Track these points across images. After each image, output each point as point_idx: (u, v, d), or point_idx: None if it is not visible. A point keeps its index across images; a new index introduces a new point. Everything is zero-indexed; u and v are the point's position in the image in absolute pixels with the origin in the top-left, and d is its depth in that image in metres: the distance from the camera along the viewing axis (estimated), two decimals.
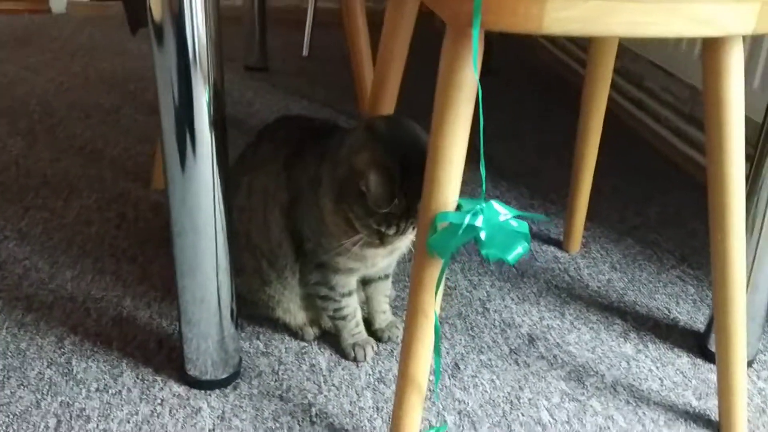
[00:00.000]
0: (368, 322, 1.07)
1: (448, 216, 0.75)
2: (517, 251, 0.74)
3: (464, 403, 0.96)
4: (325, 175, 0.90)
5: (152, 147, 1.61)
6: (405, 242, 0.93)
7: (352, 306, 1.01)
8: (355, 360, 1.02)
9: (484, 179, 0.74)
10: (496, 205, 0.75)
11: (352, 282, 0.99)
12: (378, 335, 1.07)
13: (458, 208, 0.76)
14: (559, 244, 1.33)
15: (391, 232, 0.86)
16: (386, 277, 1.05)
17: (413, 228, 0.87)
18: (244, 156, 1.03)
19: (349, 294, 0.99)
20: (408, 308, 0.80)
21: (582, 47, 2.16)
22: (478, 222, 0.74)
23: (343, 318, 1.01)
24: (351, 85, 1.79)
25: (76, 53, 2.29)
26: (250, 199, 0.99)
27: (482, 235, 0.74)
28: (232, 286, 0.94)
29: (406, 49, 1.05)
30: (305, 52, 2.41)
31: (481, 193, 0.74)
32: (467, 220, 0.74)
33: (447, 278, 1.21)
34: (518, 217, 0.75)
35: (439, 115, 0.72)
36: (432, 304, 0.79)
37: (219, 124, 0.84)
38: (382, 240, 0.87)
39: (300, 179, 0.94)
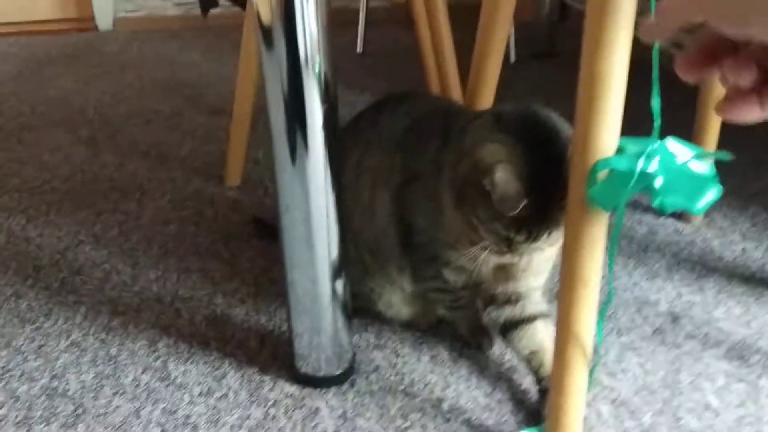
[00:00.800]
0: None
1: (612, 162, 0.64)
2: (707, 198, 0.62)
3: (616, 391, 0.84)
4: (446, 165, 0.78)
5: (221, 146, 1.53)
6: (545, 254, 0.78)
7: (467, 300, 0.89)
8: (479, 348, 0.90)
9: (657, 111, 0.62)
10: (673, 143, 0.63)
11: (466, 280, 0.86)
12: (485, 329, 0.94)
13: (619, 151, 0.65)
14: (678, 216, 1.20)
15: (521, 238, 0.72)
16: None
17: (549, 234, 0.73)
18: (357, 126, 0.92)
19: (466, 289, 0.87)
20: (561, 275, 0.68)
21: None
22: (653, 167, 0.62)
23: (461, 308, 0.90)
24: (412, 77, 1.69)
25: (127, 65, 2.24)
26: (359, 178, 0.87)
27: (658, 182, 0.62)
28: (345, 278, 0.83)
29: (505, 40, 0.94)
30: (359, 49, 2.33)
31: (654, 130, 0.62)
32: (639, 166, 0.62)
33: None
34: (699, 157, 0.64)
35: (592, 38, 0.61)
36: (593, 270, 0.68)
37: (331, 117, 0.76)
38: (510, 247, 0.74)
39: (417, 162, 0.82)
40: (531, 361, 0.83)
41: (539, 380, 0.82)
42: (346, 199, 0.87)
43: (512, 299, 0.85)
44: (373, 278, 0.90)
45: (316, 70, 0.73)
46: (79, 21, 2.78)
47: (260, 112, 1.36)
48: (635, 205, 1.24)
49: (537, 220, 0.71)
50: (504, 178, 0.69)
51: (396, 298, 0.91)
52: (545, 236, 0.73)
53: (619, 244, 1.12)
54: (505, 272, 0.82)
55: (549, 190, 0.70)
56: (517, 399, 0.83)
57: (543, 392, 0.80)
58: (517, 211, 0.69)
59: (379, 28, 2.39)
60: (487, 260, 0.77)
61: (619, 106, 0.63)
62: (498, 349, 0.91)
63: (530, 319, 0.84)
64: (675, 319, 0.96)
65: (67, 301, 1.02)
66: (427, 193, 0.81)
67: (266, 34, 0.72)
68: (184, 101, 1.86)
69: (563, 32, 2.14)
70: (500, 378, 0.86)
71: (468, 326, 0.91)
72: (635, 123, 0.70)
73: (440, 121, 0.83)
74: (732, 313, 0.97)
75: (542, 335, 0.83)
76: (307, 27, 0.71)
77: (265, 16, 0.71)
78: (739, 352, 0.89)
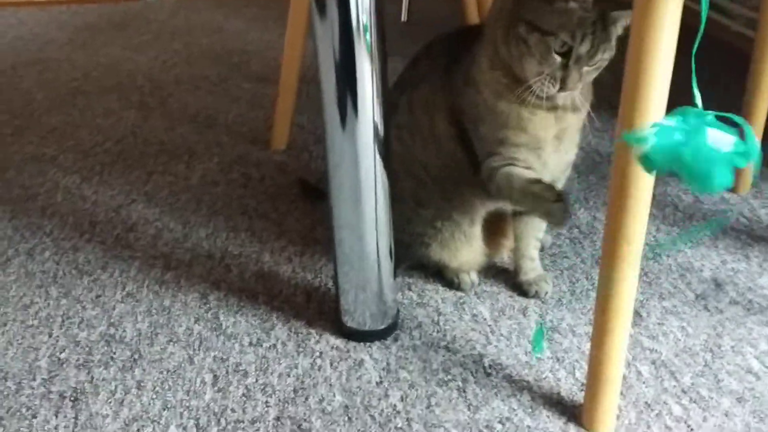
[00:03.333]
0: (513, 275, 0.97)
1: (656, 129, 0.64)
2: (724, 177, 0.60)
3: (656, 352, 0.85)
4: (478, 48, 0.82)
5: (266, 112, 1.56)
6: (573, 126, 0.82)
7: (534, 173, 0.84)
8: (562, 219, 0.80)
9: (695, 87, 0.62)
10: (714, 131, 0.62)
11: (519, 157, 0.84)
12: (523, 288, 0.96)
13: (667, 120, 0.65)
14: None
15: (585, 46, 0.74)
16: None
17: (602, 51, 0.75)
18: (401, 79, 0.94)
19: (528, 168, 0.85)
20: (605, 232, 0.69)
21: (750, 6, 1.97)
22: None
23: (532, 182, 0.81)
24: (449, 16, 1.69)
25: (174, 33, 2.27)
26: (413, 114, 0.90)
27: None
28: (391, 236, 0.85)
29: None
30: (404, 18, 2.33)
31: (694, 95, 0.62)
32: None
33: (595, 219, 1.09)
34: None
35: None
36: (638, 231, 0.68)
37: (381, 82, 0.78)
38: (562, 77, 0.75)
39: (459, 78, 0.85)
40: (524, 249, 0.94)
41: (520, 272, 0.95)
42: (402, 137, 0.89)
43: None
44: (432, 211, 0.92)
45: (368, 36, 0.75)
46: None
47: (305, 79, 1.38)
48: None
49: (598, 30, 0.74)
50: None
51: (454, 240, 0.93)
52: (602, 51, 0.75)
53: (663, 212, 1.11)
54: (558, 140, 0.83)
55: (606, 20, 0.74)
56: (557, 357, 0.84)
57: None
58: (581, 10, 0.73)
59: None
60: (545, 123, 0.80)
61: (668, 67, 0.63)
62: (540, 309, 0.93)
63: None
64: (718, 285, 0.96)
65: (122, 255, 1.07)
66: (466, 93, 0.83)
67: (319, 0, 0.73)
68: (230, 68, 1.89)
69: None
70: (541, 338, 0.88)
71: (542, 205, 0.81)
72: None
73: (473, 41, 0.85)
74: None
75: (540, 227, 0.94)
76: None
77: None
78: None
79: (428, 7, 2.37)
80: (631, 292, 0.69)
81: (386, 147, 0.81)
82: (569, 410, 0.77)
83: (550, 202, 0.78)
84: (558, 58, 0.75)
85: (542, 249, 1.00)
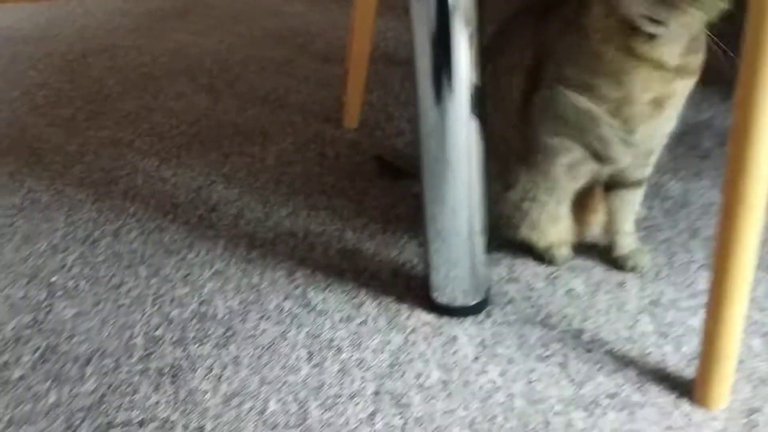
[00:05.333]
0: (607, 251, 0.93)
1: None
2: None
3: (766, 325, 0.81)
4: None
5: (334, 92, 1.55)
6: (679, 93, 0.79)
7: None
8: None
9: None
10: None
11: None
12: (619, 263, 0.92)
13: None
14: None
15: None
16: (638, 184, 0.90)
17: None
18: (486, 48, 0.91)
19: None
20: (723, 195, 0.65)
21: None
22: None
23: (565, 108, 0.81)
24: None
25: (236, 17, 2.29)
26: (497, 82, 0.87)
27: None
28: (484, 212, 0.83)
29: None
30: None
31: None
32: None
33: (669, 188, 1.05)
34: None
35: None
36: (758, 192, 0.64)
37: (477, 58, 0.77)
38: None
39: (550, 28, 0.82)
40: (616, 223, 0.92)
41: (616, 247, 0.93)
42: (489, 114, 0.86)
43: (634, 181, 0.89)
44: (519, 190, 0.90)
45: (464, 11, 0.73)
46: None
47: (373, 58, 1.36)
48: None
49: None
50: None
51: (543, 217, 0.91)
52: None
53: None
54: (657, 107, 0.79)
55: None
56: (661, 332, 0.81)
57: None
58: None
59: None
60: (646, 81, 0.76)
61: None
62: (638, 283, 0.89)
63: (640, 183, 0.89)
64: None
65: (207, 234, 1.07)
66: (569, 40, 0.80)
67: None
68: (295, 49, 1.89)
69: None
70: (642, 311, 0.85)
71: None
72: None
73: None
74: None
75: (636, 202, 0.91)
76: None
77: None
78: None
79: None
80: (750, 260, 0.66)
81: (481, 119, 0.79)
82: (679, 386, 0.73)
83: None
84: None
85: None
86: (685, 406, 0.71)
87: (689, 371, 0.74)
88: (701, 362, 0.70)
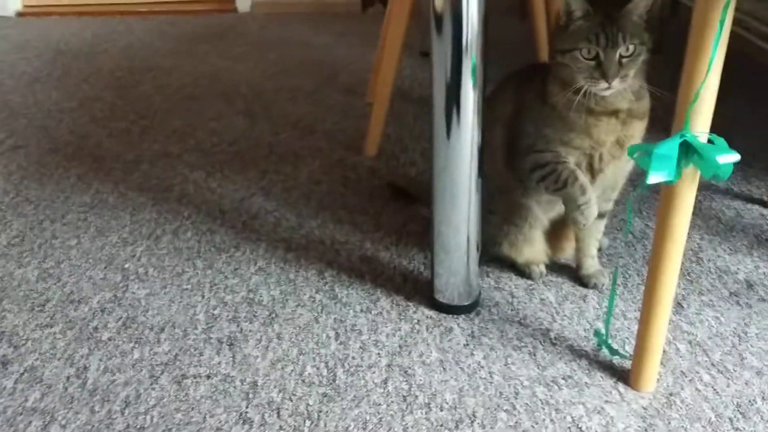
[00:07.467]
0: (574, 270, 1.17)
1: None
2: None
3: (692, 335, 1.04)
4: (548, 78, 1.01)
5: (356, 122, 1.78)
6: (637, 134, 1.00)
7: (570, 168, 1.01)
8: (582, 219, 1.03)
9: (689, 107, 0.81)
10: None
11: (570, 158, 1.02)
12: (584, 281, 1.16)
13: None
14: (763, 203, 1.37)
15: (602, 42, 0.91)
16: (602, 215, 1.12)
17: (624, 39, 0.92)
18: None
19: (565, 161, 1.02)
20: (655, 235, 0.89)
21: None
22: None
23: (565, 183, 1.01)
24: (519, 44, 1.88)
25: (269, 45, 2.53)
26: (487, 131, 1.08)
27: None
28: (479, 232, 1.06)
29: None
30: None
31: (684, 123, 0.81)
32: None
33: (647, 227, 1.28)
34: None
35: (693, 53, 0.80)
36: (680, 229, 0.87)
37: (480, 100, 0.98)
38: (601, 68, 0.92)
39: (526, 93, 1.05)
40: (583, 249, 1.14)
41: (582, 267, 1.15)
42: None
43: (609, 196, 1.10)
44: (499, 215, 1.13)
45: (473, 56, 0.94)
46: (220, 2, 3.12)
47: (392, 95, 1.59)
48: (726, 191, 1.41)
49: (609, 30, 0.91)
50: None
51: (520, 239, 1.13)
52: (621, 41, 0.92)
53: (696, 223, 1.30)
54: (620, 147, 1.01)
55: (614, 17, 0.92)
56: (610, 334, 1.04)
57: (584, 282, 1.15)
58: (588, 24, 0.92)
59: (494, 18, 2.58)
60: (608, 128, 0.98)
61: (711, 104, 0.82)
62: (597, 297, 1.12)
63: (603, 214, 1.11)
64: (750, 286, 1.14)
65: (250, 237, 1.30)
66: (535, 105, 1.03)
67: (438, 21, 0.94)
68: (322, 80, 2.13)
69: (673, 29, 2.27)
70: (598, 318, 1.08)
71: (576, 206, 1.02)
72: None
73: (541, 68, 1.06)
74: None
75: (599, 231, 1.14)
76: (471, 16, 0.93)
77: (439, 5, 0.93)
78: None
79: (498, 29, 2.56)
80: (673, 279, 0.89)
81: (480, 155, 1.02)
82: (619, 373, 0.96)
83: (575, 215, 1.03)
84: (591, 62, 0.93)
85: (600, 249, 1.20)
86: (621, 387, 0.94)
87: (627, 364, 0.97)
88: (635, 355, 0.94)
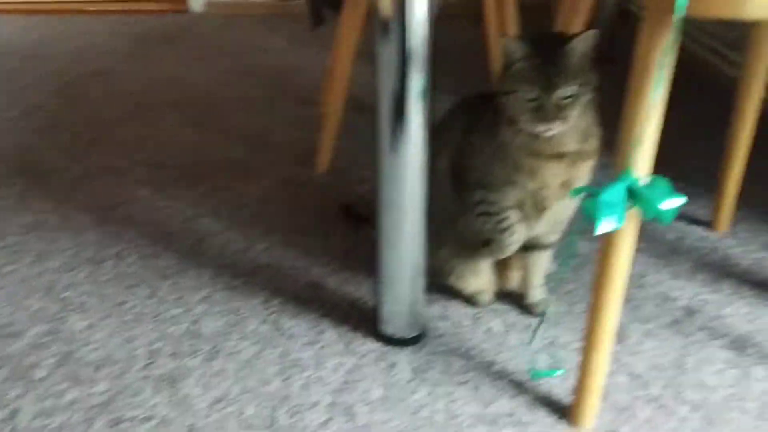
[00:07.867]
0: (521, 297, 1.17)
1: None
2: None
3: (633, 366, 1.05)
4: (497, 117, 1.00)
5: (309, 134, 1.76)
6: (583, 176, 1.00)
7: (513, 219, 1.04)
8: (497, 255, 1.08)
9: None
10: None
11: (512, 199, 1.03)
12: (530, 309, 1.16)
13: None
14: (705, 224, 1.39)
15: (542, 84, 0.91)
16: (549, 247, 1.13)
17: (566, 81, 0.91)
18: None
19: (510, 209, 1.03)
20: (596, 273, 0.89)
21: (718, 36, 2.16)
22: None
23: (503, 231, 1.04)
24: (480, 75, 1.88)
25: (222, 50, 2.48)
26: (433, 158, 1.07)
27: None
28: (425, 259, 1.06)
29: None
30: None
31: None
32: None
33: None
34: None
35: (634, 97, 0.80)
36: (621, 271, 0.88)
37: (427, 113, 0.96)
38: (541, 110, 0.92)
39: (478, 123, 1.04)
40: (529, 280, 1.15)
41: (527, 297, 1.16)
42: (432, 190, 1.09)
43: (545, 243, 1.11)
44: (447, 248, 1.13)
45: (420, 64, 0.91)
46: (172, 2, 3.05)
47: (348, 106, 1.57)
48: None
49: (548, 72, 0.91)
50: (509, 41, 0.93)
51: (466, 271, 1.14)
52: (561, 82, 0.91)
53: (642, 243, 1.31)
54: (565, 188, 1.00)
55: (553, 58, 0.91)
56: (553, 367, 1.05)
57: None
58: (527, 65, 0.91)
59: (447, 23, 2.57)
60: (554, 170, 0.98)
61: (650, 148, 0.83)
62: (542, 326, 1.13)
63: (550, 246, 1.12)
64: (690, 313, 1.16)
65: (197, 261, 1.28)
66: (486, 138, 1.02)
67: (382, 26, 0.90)
68: (276, 90, 2.10)
69: (623, 38, 2.29)
70: (541, 350, 1.08)
71: (499, 250, 1.07)
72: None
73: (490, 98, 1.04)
74: (739, 311, 1.16)
75: (545, 261, 1.14)
76: (417, 21, 0.89)
77: (384, 8, 0.89)
78: (739, 345, 1.09)
79: (451, 34, 2.56)
80: (614, 321, 0.90)
81: (427, 169, 0.99)
82: (559, 410, 0.97)
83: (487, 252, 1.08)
84: (532, 103, 0.93)
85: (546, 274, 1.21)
86: (563, 425, 0.95)
87: (568, 399, 0.98)
88: (576, 393, 0.94)
